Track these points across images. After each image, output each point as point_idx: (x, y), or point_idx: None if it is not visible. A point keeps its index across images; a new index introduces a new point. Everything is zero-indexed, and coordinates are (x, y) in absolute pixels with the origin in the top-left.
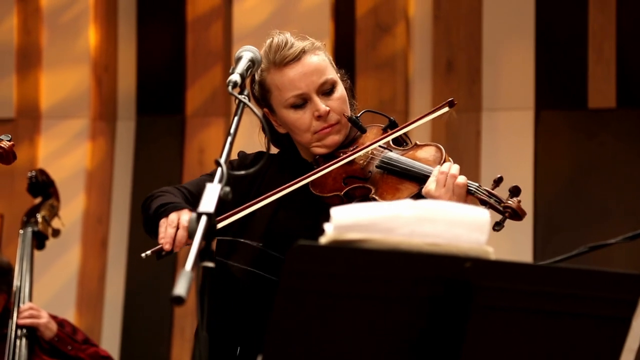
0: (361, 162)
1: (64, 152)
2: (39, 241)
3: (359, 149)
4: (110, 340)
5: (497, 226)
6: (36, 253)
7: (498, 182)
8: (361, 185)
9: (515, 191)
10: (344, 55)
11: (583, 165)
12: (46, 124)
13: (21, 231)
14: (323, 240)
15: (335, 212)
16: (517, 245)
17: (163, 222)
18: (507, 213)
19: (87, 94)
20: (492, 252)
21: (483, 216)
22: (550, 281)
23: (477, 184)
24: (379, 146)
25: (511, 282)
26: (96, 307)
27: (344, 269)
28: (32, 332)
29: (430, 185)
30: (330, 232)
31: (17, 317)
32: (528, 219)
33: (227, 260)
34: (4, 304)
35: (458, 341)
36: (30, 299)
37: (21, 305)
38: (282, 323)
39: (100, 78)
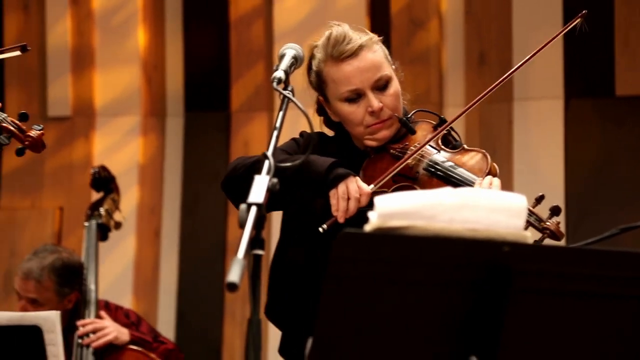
0: (410, 161)
1: (118, 148)
2: (103, 233)
3: (410, 154)
4: (165, 324)
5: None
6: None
7: (539, 200)
8: (409, 184)
9: (555, 211)
10: None
11: (612, 151)
12: (100, 121)
13: (86, 224)
14: (368, 227)
15: (379, 200)
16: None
17: (334, 194)
18: (545, 233)
19: (138, 93)
20: (530, 237)
21: (521, 202)
22: (585, 263)
23: None
24: (429, 146)
25: (548, 264)
26: (151, 293)
27: (388, 255)
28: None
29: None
30: (375, 219)
31: (82, 336)
32: (560, 204)
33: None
34: (75, 300)
35: (498, 323)
36: (96, 288)
37: (88, 301)
38: (330, 307)
39: (150, 77)
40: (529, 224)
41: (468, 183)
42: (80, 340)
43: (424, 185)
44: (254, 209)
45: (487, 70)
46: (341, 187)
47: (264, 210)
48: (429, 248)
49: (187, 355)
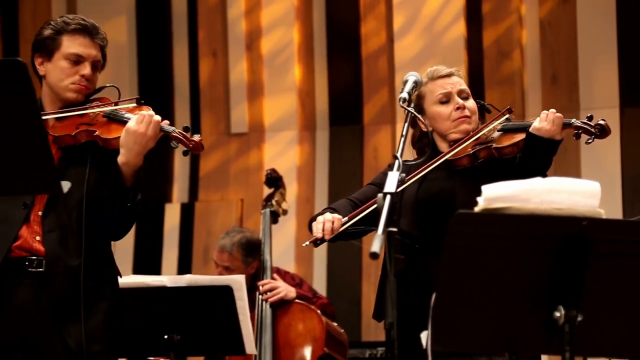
0: (485, 137)
1: (281, 154)
2: (274, 218)
3: (483, 126)
4: (319, 284)
5: (590, 140)
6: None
7: (590, 118)
8: (484, 146)
9: (603, 120)
10: (476, 76)
11: None
12: (269, 136)
13: (262, 211)
14: (476, 209)
15: (485, 188)
16: (611, 209)
17: (314, 224)
18: (596, 129)
19: (295, 113)
20: (603, 213)
21: (595, 187)
22: None
23: (574, 119)
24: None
25: (616, 234)
26: (308, 261)
27: (493, 229)
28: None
29: (535, 123)
30: (482, 203)
31: (262, 293)
32: (617, 190)
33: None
34: (256, 267)
35: (580, 280)
36: (271, 258)
37: (265, 268)
38: (449, 270)
39: (304, 101)
40: (583, 130)
41: (530, 123)
42: (260, 297)
43: (499, 142)
44: (388, 197)
45: (559, 88)
46: (319, 217)
47: (396, 198)
48: (524, 223)
49: (336, 308)
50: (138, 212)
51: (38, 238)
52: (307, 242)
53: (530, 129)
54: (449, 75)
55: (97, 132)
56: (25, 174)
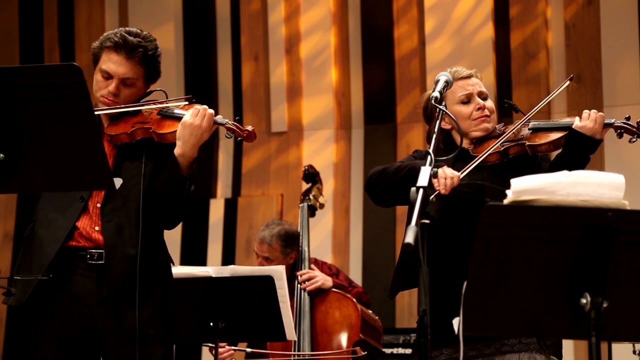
0: (513, 135)
1: (319, 152)
2: (311, 211)
3: (511, 128)
4: (355, 273)
5: (633, 140)
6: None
7: (628, 119)
8: (515, 144)
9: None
10: (504, 77)
11: None
12: (307, 134)
13: (300, 205)
14: (506, 201)
15: (514, 181)
16: (633, 203)
17: (438, 180)
18: None
19: (332, 113)
20: (628, 205)
21: (620, 180)
22: None
23: (614, 119)
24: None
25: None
26: (344, 252)
27: (522, 221)
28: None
29: (576, 121)
30: (510, 195)
31: (300, 283)
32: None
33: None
34: (295, 258)
35: (605, 268)
36: (308, 249)
37: (303, 258)
38: (480, 258)
39: (340, 101)
40: (624, 129)
41: (570, 123)
42: (299, 285)
43: (533, 140)
44: (421, 191)
45: (583, 87)
46: (440, 172)
47: (428, 191)
48: (551, 215)
49: (371, 296)
50: (191, 202)
51: (97, 228)
52: (433, 198)
53: (574, 127)
54: (469, 76)
55: (152, 129)
56: (81, 172)
